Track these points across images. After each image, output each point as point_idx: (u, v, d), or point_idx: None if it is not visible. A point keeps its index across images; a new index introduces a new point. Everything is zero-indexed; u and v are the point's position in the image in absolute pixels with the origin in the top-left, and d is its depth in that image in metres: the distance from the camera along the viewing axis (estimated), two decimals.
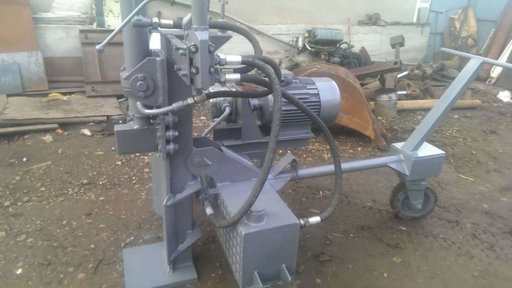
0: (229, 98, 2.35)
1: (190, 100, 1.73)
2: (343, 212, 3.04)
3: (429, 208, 2.95)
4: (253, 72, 2.07)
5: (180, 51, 1.53)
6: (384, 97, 5.43)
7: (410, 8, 8.59)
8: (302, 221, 2.02)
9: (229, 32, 1.93)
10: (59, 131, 4.33)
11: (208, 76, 1.53)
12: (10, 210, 2.87)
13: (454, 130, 5.12)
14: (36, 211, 2.87)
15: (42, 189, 3.16)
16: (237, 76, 1.68)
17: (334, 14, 7.65)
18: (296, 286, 1.83)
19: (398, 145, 2.82)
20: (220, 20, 1.88)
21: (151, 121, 1.97)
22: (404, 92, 6.33)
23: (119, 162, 3.67)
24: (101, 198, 3.07)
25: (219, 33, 1.91)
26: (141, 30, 1.77)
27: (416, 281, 2.34)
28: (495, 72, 7.85)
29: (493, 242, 2.77)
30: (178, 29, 1.80)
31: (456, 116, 5.70)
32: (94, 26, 5.68)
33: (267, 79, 1.73)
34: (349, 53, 6.93)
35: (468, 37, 8.91)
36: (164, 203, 2.01)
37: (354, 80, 4.40)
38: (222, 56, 1.60)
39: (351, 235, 2.76)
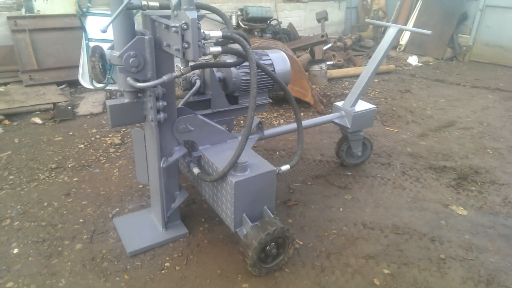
0: (197, 72, 2.64)
1: (177, 72, 2.01)
2: (299, 167, 3.53)
3: (367, 155, 3.56)
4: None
5: (173, 29, 1.81)
6: (316, 68, 6.01)
7: None
8: (276, 169, 2.44)
9: (202, 11, 2.22)
10: (7, 122, 4.21)
11: (198, 49, 1.83)
12: None
13: (376, 92, 5.89)
14: (12, 197, 2.92)
15: (11, 177, 3.18)
16: (219, 48, 2.01)
17: None
18: (279, 220, 2.24)
19: (339, 104, 3.34)
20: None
21: (139, 95, 2.20)
22: (331, 62, 7.00)
23: (82, 146, 3.75)
24: (75, 179, 3.19)
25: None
26: (130, 12, 1.98)
27: (365, 211, 2.91)
28: (404, 39, 8.91)
29: (418, 176, 3.46)
30: (160, 10, 2.03)
31: (376, 80, 6.51)
32: (23, 12, 5.40)
33: (241, 50, 2.08)
34: (279, 29, 7.39)
35: (378, 9, 9.90)
36: (161, 165, 2.28)
37: (291, 52, 4.87)
38: (206, 32, 1.91)
39: (309, 183, 3.26)
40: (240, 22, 6.95)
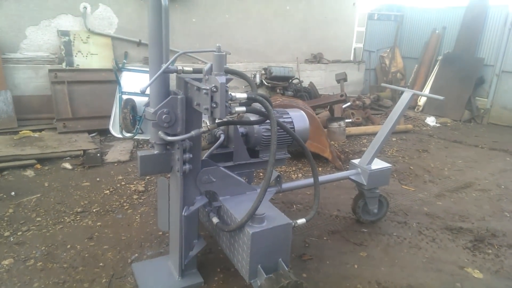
0: (222, 126, 2.84)
1: (204, 128, 2.20)
2: (315, 221, 3.58)
3: (383, 212, 3.59)
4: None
5: (204, 91, 2.02)
6: (335, 125, 6.21)
7: (348, 48, 9.80)
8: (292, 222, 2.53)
9: (230, 75, 2.46)
10: (38, 166, 4.48)
11: (224, 109, 2.03)
12: (12, 239, 3.04)
13: (394, 150, 5.98)
14: (38, 238, 3.07)
15: (38, 219, 3.35)
16: (243, 108, 2.21)
17: (285, 53, 8.54)
18: (293, 274, 2.29)
19: (356, 161, 3.46)
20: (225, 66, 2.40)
21: (167, 147, 2.39)
22: (350, 120, 7.20)
23: (107, 191, 3.93)
24: (99, 223, 3.33)
25: None
26: (166, 75, 2.23)
27: (380, 269, 2.91)
28: (421, 100, 9.12)
29: (434, 236, 3.45)
30: (192, 74, 2.27)
31: (394, 139, 6.63)
32: (63, 65, 5.92)
33: (264, 110, 2.28)
34: (300, 87, 7.76)
35: (396, 72, 10.27)
36: (183, 213, 2.40)
37: (311, 110, 5.10)
38: (233, 93, 2.12)
39: (325, 238, 3.29)
40: (263, 80, 7.35)
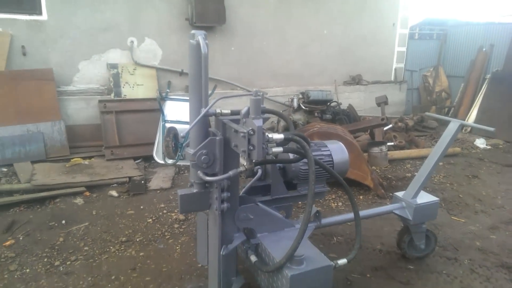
0: None
1: (242, 168, 2.22)
2: (357, 255, 3.45)
3: (431, 248, 3.40)
4: None
5: (241, 134, 2.05)
6: (376, 149, 6.04)
7: (388, 68, 9.59)
8: (333, 263, 2.46)
9: (267, 114, 2.48)
10: (87, 193, 4.71)
11: (261, 151, 2.04)
12: (61, 269, 3.19)
13: (441, 176, 5.70)
14: (84, 268, 3.20)
15: (86, 248, 3.50)
16: (280, 149, 2.21)
17: (322, 76, 8.51)
18: None
19: (400, 194, 3.32)
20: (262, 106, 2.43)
21: (206, 185, 2.43)
22: (392, 143, 6.98)
23: (150, 220, 4.05)
24: (141, 254, 3.42)
25: None
26: (205, 118, 2.28)
27: None
28: (470, 120, 8.68)
29: (489, 275, 3.21)
30: (231, 115, 2.31)
31: (441, 164, 6.32)
32: (112, 96, 6.26)
33: (300, 149, 2.27)
34: (339, 110, 7.65)
35: (441, 91, 9.88)
36: (222, 252, 2.42)
37: (350, 136, 5.00)
38: (270, 135, 2.13)
39: (368, 275, 3.16)
40: (301, 105, 7.33)
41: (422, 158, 6.45)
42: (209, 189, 2.43)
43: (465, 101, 9.05)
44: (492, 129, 2.88)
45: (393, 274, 3.18)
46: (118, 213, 4.21)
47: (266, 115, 2.44)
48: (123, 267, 3.22)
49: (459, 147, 7.24)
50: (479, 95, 8.76)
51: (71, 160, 5.68)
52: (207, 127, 2.35)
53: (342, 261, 2.47)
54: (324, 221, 2.92)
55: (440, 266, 3.31)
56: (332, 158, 2.94)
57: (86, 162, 5.70)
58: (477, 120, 8.50)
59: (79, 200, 4.53)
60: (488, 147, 7.48)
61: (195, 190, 2.41)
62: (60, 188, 4.73)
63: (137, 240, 3.66)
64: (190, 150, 2.28)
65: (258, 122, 2.01)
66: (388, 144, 6.80)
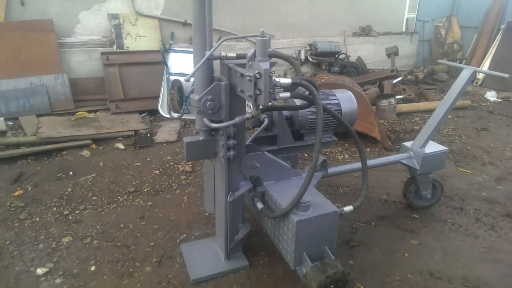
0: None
1: (248, 114, 2.16)
2: (363, 205, 3.45)
3: (436, 198, 3.41)
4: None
5: (247, 77, 1.97)
6: (384, 102, 5.91)
7: (399, 18, 9.19)
8: (339, 210, 2.46)
9: (274, 59, 2.38)
10: (94, 146, 4.72)
11: (268, 95, 1.97)
12: (70, 217, 3.25)
13: (450, 129, 5.62)
14: (93, 217, 3.26)
15: (94, 198, 3.55)
16: (288, 94, 2.14)
17: (331, 27, 8.19)
18: (340, 263, 2.24)
19: (408, 144, 3.27)
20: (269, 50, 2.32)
21: (212, 133, 2.39)
22: (401, 96, 6.84)
23: (157, 171, 4.07)
24: (149, 203, 3.47)
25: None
26: (210, 62, 2.20)
27: (432, 258, 2.78)
28: (481, 74, 8.42)
29: (494, 223, 3.22)
30: (237, 59, 2.22)
31: (450, 117, 6.21)
32: (114, 48, 6.10)
33: (309, 95, 2.19)
34: (347, 62, 7.44)
35: (453, 42, 9.51)
36: (228, 199, 2.42)
37: (359, 88, 4.88)
38: (277, 79, 2.05)
39: (373, 223, 3.19)
40: (308, 57, 7.14)
41: (431, 111, 6.30)
42: (215, 136, 2.39)
43: (477, 52, 8.73)
44: (506, 75, 2.76)
45: (398, 222, 3.21)
46: (125, 165, 4.23)
47: (274, 60, 2.35)
48: (131, 215, 3.28)
49: (469, 99, 7.08)
50: (492, 46, 8.43)
51: (76, 113, 5.65)
52: (212, 72, 2.26)
53: (348, 208, 2.47)
54: (331, 170, 2.90)
55: (446, 215, 3.33)
56: (340, 107, 2.87)
57: (91, 115, 5.67)
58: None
59: (85, 153, 4.55)
60: (499, 100, 7.31)
61: (201, 138, 2.37)
62: (66, 141, 4.74)
63: (145, 190, 3.69)
64: (195, 96, 2.22)
65: (265, 65, 1.92)
66: (397, 97, 6.66)
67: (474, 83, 8.39)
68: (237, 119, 2.16)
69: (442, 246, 2.91)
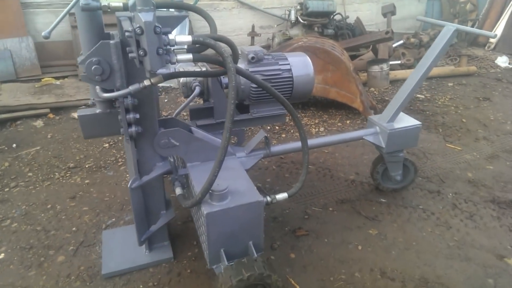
0: (199, 78, 2.34)
1: (146, 82, 1.72)
2: (325, 186, 3.06)
3: (409, 179, 2.95)
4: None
5: (127, 33, 1.52)
6: (375, 68, 5.33)
7: None
8: (269, 198, 2.06)
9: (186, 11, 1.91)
10: (51, 115, 4.38)
11: (156, 57, 1.52)
12: None
13: (447, 99, 5.03)
14: (22, 196, 2.94)
15: (30, 174, 3.23)
16: (189, 56, 1.68)
17: None
18: (261, 262, 1.86)
19: (375, 117, 2.79)
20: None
21: (114, 104, 1.98)
22: (399, 62, 6.22)
23: (107, 145, 3.71)
24: (87, 181, 3.13)
25: (176, 13, 1.89)
26: (94, 13, 1.76)
27: (390, 253, 2.37)
28: (493, 38, 7.61)
29: (474, 211, 2.77)
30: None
31: (450, 84, 5.59)
32: None
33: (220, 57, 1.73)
34: (343, 24, 6.74)
35: (466, 2, 8.58)
36: (129, 185, 2.04)
37: (340, 52, 4.32)
38: (171, 36, 1.59)
39: (330, 208, 2.78)
40: (299, 18, 6.48)
41: (429, 79, 5.72)
42: (118, 109, 1.98)
43: (492, 13, 7.86)
44: (492, 34, 2.21)
45: (360, 208, 2.78)
46: (74, 137, 3.88)
47: (180, 13, 1.89)
48: (62, 195, 2.95)
49: (476, 65, 6.38)
50: (509, 6, 7.55)
51: (42, 80, 5.29)
52: (101, 27, 1.82)
53: (282, 196, 2.08)
54: (275, 148, 2.47)
55: (418, 199, 2.89)
56: (291, 73, 2.41)
57: (58, 82, 5.30)
58: (503, 35, 7.44)
59: (38, 123, 4.21)
60: (511, 66, 6.58)
61: (98, 110, 1.96)
62: (23, 109, 4.41)
63: (86, 166, 3.35)
64: (80, 58, 1.79)
65: (147, 16, 1.46)
66: (393, 62, 6.06)
67: (486, 47, 7.61)
68: (130, 88, 1.73)
69: (404, 238, 2.49)
